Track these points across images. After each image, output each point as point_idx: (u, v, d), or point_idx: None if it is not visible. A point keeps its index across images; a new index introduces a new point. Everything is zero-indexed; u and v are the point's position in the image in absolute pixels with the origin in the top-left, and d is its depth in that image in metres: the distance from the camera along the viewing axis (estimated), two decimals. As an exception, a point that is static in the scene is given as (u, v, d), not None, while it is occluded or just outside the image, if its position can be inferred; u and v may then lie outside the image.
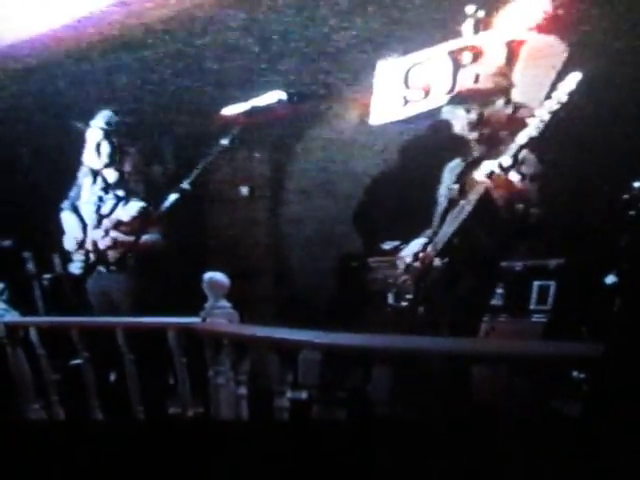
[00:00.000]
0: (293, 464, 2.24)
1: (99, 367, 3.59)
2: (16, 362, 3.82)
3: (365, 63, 4.06)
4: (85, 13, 4.10)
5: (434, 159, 3.44)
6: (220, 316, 3.08)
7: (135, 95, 4.82)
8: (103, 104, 4.19)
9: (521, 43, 3.47)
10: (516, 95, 3.37)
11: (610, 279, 3.49)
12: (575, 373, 2.90)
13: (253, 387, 2.98)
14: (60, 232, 4.14)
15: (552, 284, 3.93)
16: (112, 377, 3.91)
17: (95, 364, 3.54)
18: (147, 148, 4.36)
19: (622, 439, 1.67)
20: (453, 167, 3.27)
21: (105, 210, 4.05)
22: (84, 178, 4.15)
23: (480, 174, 2.91)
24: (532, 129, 2.80)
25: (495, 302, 3.62)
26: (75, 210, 4.14)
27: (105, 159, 4.03)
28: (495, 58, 3.52)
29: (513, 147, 2.86)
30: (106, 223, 4.01)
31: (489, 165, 2.88)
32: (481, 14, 3.60)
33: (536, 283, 3.98)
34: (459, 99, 3.16)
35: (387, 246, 4.23)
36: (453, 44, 3.68)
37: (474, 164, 3.09)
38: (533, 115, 2.80)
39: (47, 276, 4.75)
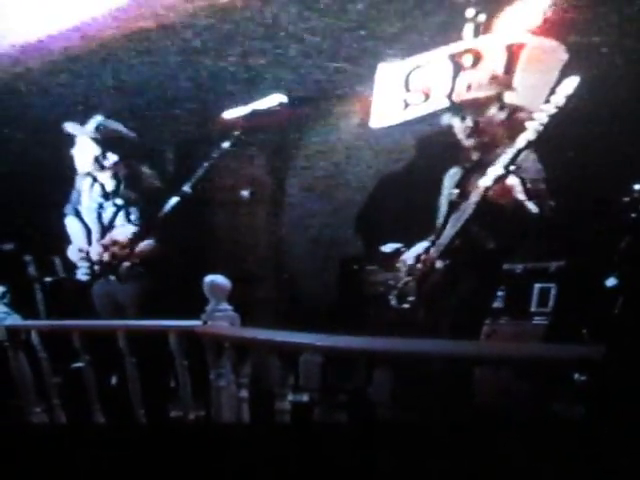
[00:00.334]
0: (294, 467, 2.24)
1: (100, 370, 3.59)
2: (17, 365, 3.83)
3: (365, 66, 4.07)
4: (84, 17, 4.11)
5: (435, 162, 3.45)
6: (221, 319, 3.07)
7: (135, 99, 4.82)
8: (100, 108, 4.17)
9: (521, 46, 3.48)
10: (515, 98, 3.38)
11: (611, 281, 3.49)
12: (576, 375, 2.90)
13: (254, 390, 2.98)
14: (63, 238, 4.12)
15: (553, 286, 3.93)
16: (113, 380, 3.92)
17: (96, 367, 3.55)
18: (146, 153, 4.34)
19: (623, 441, 1.67)
20: (453, 174, 3.29)
21: (106, 218, 4.04)
22: (82, 182, 4.14)
23: (479, 185, 2.92)
24: (530, 133, 2.81)
25: (496, 305, 3.62)
26: (78, 215, 4.13)
27: (96, 165, 3.98)
28: (495, 61, 3.53)
29: (511, 151, 2.87)
30: (104, 241, 3.98)
31: (486, 179, 2.89)
32: (481, 18, 3.61)
33: (537, 285, 3.98)
34: (454, 108, 3.18)
35: (387, 249, 4.23)
36: (453, 47, 3.69)
37: (473, 169, 3.11)
38: (531, 118, 2.81)
39: (48, 279, 4.75)
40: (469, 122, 3.10)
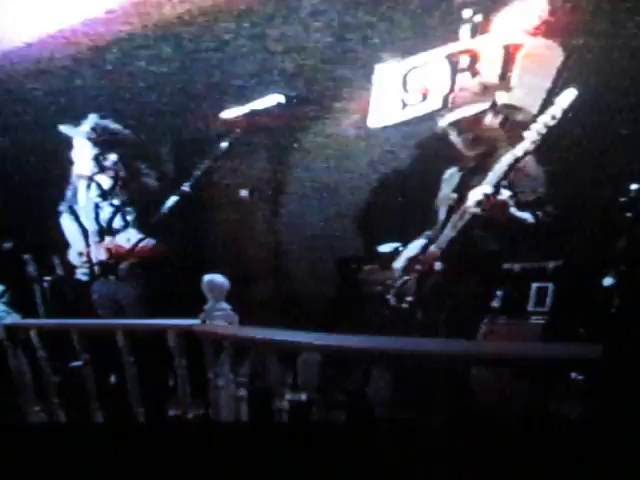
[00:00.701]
0: (292, 466, 2.25)
1: (99, 369, 3.60)
2: (17, 364, 3.83)
3: (363, 67, 4.07)
4: (84, 17, 4.11)
5: (433, 161, 3.46)
6: (220, 318, 3.08)
7: (133, 99, 4.82)
8: (97, 108, 4.16)
9: (518, 47, 3.49)
10: (512, 99, 3.40)
11: (608, 281, 3.51)
12: (573, 374, 2.91)
13: (253, 389, 2.99)
14: (63, 237, 4.13)
15: (550, 286, 3.94)
16: (112, 379, 3.92)
17: (95, 366, 3.55)
18: (144, 152, 4.34)
19: (620, 440, 1.68)
20: (450, 176, 3.31)
21: (103, 218, 4.04)
22: (79, 180, 4.13)
23: (472, 201, 2.94)
24: (527, 143, 2.83)
25: (493, 304, 3.63)
26: (74, 214, 4.13)
27: (93, 165, 3.98)
28: (492, 61, 3.54)
29: (505, 163, 2.89)
30: (105, 243, 3.98)
31: (477, 194, 2.90)
32: (478, 18, 3.62)
33: (534, 285, 3.99)
34: (450, 125, 3.20)
35: (386, 249, 4.24)
36: (450, 48, 3.70)
37: (471, 174, 3.14)
38: (528, 121, 2.83)
39: (48, 278, 4.75)
40: (465, 135, 3.14)
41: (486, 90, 3.31)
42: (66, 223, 4.13)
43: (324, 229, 5.09)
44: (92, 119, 4.00)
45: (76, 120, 4.05)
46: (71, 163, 4.09)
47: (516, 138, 2.94)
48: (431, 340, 2.80)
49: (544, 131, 2.79)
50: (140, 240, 3.84)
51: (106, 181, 4.03)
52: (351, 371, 2.84)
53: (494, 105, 3.15)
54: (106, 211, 4.03)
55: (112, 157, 3.98)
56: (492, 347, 2.58)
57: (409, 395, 2.43)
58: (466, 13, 3.63)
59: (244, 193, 4.98)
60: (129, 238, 3.90)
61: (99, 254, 3.96)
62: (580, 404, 2.21)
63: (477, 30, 3.63)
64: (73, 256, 4.07)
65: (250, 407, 2.96)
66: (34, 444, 2.55)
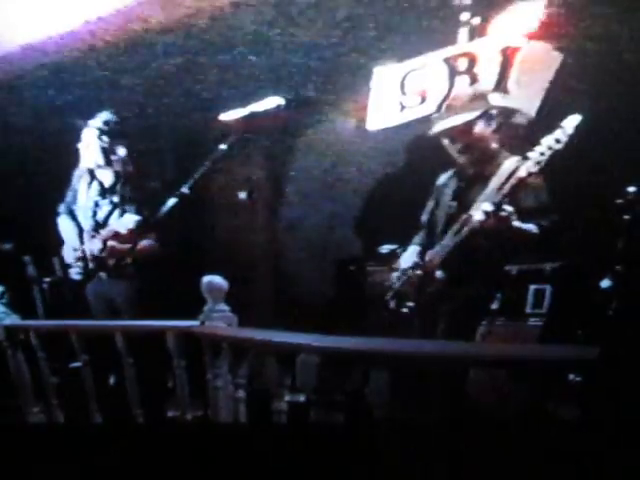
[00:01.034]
0: (291, 467, 2.26)
1: (98, 370, 3.60)
2: (16, 365, 3.84)
3: (362, 69, 4.08)
4: (89, 17, 4.12)
5: (431, 163, 3.46)
6: (219, 319, 3.09)
7: (135, 99, 4.83)
8: (103, 106, 4.19)
9: (516, 50, 3.50)
10: (510, 101, 3.41)
11: (605, 283, 3.52)
12: (571, 376, 2.92)
13: (251, 390, 2.99)
14: (59, 237, 4.14)
15: (548, 288, 3.96)
16: (111, 380, 3.93)
17: (94, 367, 3.56)
18: (145, 152, 4.36)
19: (618, 441, 1.69)
20: (447, 182, 3.31)
21: (101, 215, 4.05)
22: (80, 181, 4.15)
23: (473, 217, 2.95)
24: (531, 164, 2.83)
25: (492, 306, 3.64)
26: (71, 214, 4.14)
27: (99, 159, 4.01)
28: (490, 64, 3.55)
29: (506, 170, 2.90)
30: (103, 233, 4.00)
31: (479, 212, 2.91)
32: (476, 21, 3.63)
33: (532, 287, 4.00)
34: (444, 135, 3.21)
35: (384, 250, 4.26)
36: (449, 51, 3.71)
37: (471, 183, 3.14)
38: (525, 122, 2.84)
39: (47, 279, 4.76)
40: (457, 143, 3.15)
41: (479, 97, 3.32)
42: (63, 223, 4.15)
43: (322, 231, 5.11)
44: (105, 115, 4.05)
45: (81, 119, 4.09)
46: (72, 165, 4.11)
47: (512, 144, 2.95)
48: (429, 342, 2.81)
49: (549, 153, 2.79)
50: (140, 223, 3.85)
51: (108, 177, 4.04)
52: (350, 372, 2.84)
53: (487, 113, 3.16)
54: (105, 209, 4.04)
55: (124, 151, 4.01)
56: (490, 349, 2.59)
57: (408, 396, 2.44)
58: (464, 16, 3.64)
59: (243, 195, 5.00)
60: (126, 224, 3.92)
61: (94, 247, 3.97)
62: (578, 406, 2.21)
63: (475, 33, 3.64)
64: (67, 252, 4.08)
65: (249, 408, 2.96)
66: (33, 444, 2.55)
